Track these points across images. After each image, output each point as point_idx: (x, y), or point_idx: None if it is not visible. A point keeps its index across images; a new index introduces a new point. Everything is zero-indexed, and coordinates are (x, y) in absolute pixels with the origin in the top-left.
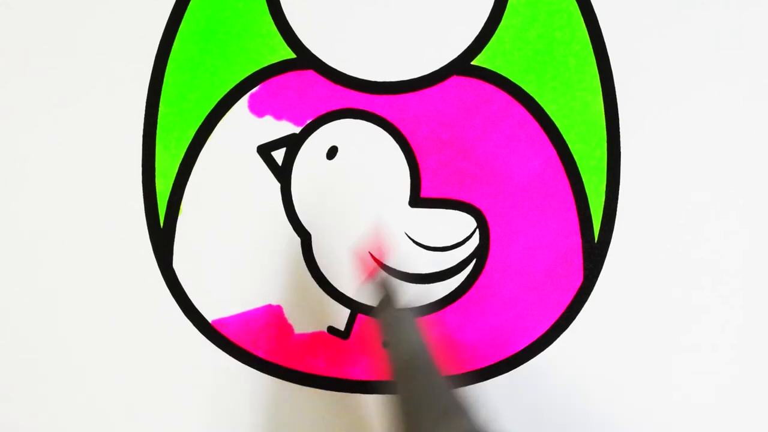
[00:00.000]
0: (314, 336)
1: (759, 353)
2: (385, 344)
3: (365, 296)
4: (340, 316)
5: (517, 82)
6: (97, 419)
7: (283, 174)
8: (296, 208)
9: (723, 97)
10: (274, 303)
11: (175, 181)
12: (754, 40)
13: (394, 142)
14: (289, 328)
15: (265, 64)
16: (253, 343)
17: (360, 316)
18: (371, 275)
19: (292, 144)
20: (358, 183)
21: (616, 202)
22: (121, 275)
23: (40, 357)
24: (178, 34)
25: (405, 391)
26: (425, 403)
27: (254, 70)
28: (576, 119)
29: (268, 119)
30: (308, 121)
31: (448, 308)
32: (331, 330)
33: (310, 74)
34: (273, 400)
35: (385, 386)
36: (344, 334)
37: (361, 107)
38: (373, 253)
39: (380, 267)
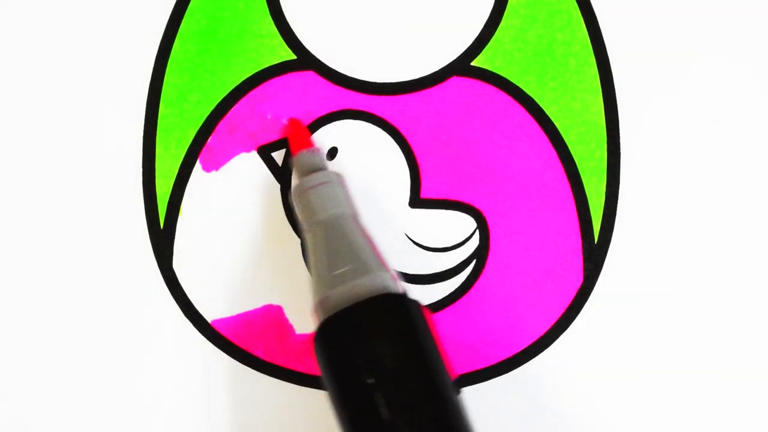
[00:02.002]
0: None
1: (760, 353)
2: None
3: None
4: None
5: (517, 83)
6: (96, 419)
7: (283, 175)
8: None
9: (724, 98)
10: (274, 303)
11: (175, 181)
12: (757, 40)
13: (394, 143)
14: (290, 328)
15: (266, 65)
16: (253, 344)
17: None
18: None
19: None
20: (358, 183)
21: (616, 203)
22: (121, 275)
23: (39, 357)
24: (178, 34)
25: (321, 240)
26: (334, 258)
27: (255, 72)
28: (576, 120)
29: (268, 120)
30: (309, 123)
31: (448, 308)
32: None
33: (311, 75)
34: (273, 401)
35: None
36: None
37: (361, 108)
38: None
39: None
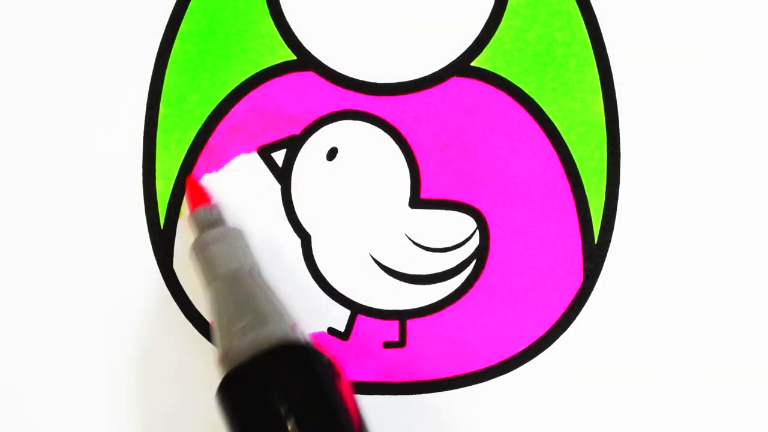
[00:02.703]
0: (314, 337)
1: (760, 353)
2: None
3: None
4: (340, 317)
5: (517, 83)
6: (96, 419)
7: (283, 175)
8: (296, 209)
9: (724, 98)
10: None
11: (175, 182)
12: (756, 40)
13: (394, 144)
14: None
15: (266, 66)
16: None
17: (360, 317)
18: (200, 203)
19: (293, 145)
20: (358, 184)
21: (616, 203)
22: (121, 275)
23: (39, 357)
24: (178, 34)
25: (221, 296)
26: (235, 312)
27: (254, 72)
28: (576, 120)
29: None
30: (308, 123)
31: (448, 309)
32: (331, 331)
33: (311, 75)
34: None
35: (384, 387)
36: (344, 335)
37: (361, 108)
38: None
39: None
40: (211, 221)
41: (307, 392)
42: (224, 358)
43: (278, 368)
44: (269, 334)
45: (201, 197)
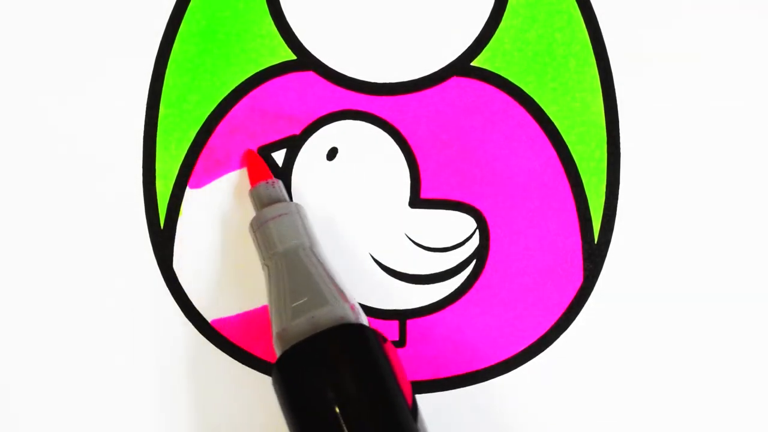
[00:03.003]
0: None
1: (759, 353)
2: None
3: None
4: None
5: (517, 83)
6: (97, 418)
7: (283, 175)
8: None
9: (724, 98)
10: None
11: (175, 182)
12: (757, 40)
13: (394, 143)
14: None
15: (266, 66)
16: (253, 344)
17: None
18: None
19: (293, 145)
20: (358, 184)
21: (616, 203)
22: (121, 275)
23: (39, 356)
24: (178, 35)
25: (279, 273)
26: (293, 290)
27: (254, 72)
28: (576, 120)
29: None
30: (308, 123)
31: (448, 309)
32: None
33: (311, 75)
34: (273, 400)
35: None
36: None
37: (361, 108)
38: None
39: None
40: (271, 197)
41: (367, 373)
42: (280, 337)
43: (336, 348)
44: (327, 314)
45: (262, 172)
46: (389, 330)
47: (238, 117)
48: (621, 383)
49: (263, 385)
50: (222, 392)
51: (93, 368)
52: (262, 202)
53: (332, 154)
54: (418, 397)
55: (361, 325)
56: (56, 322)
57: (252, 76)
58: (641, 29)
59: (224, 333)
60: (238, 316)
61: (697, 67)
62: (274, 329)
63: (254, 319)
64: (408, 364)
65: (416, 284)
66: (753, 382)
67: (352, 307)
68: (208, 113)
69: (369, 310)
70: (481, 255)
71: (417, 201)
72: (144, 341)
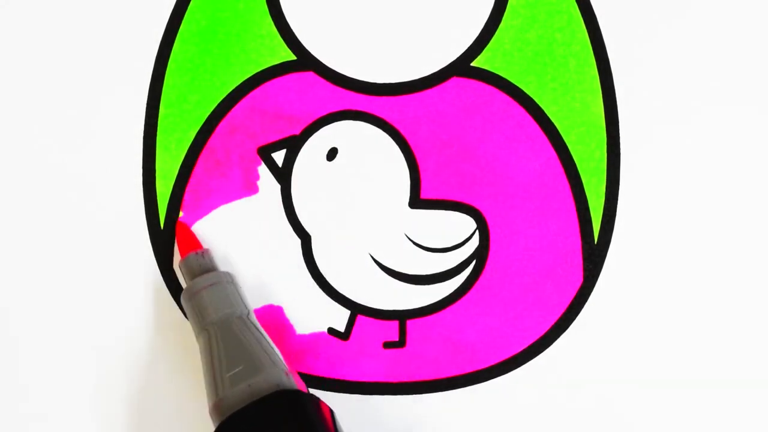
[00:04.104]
0: (314, 337)
1: (759, 354)
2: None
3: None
4: (340, 317)
5: (517, 84)
6: (96, 419)
7: (283, 175)
8: (296, 209)
9: (724, 99)
10: (274, 303)
11: (175, 181)
12: (757, 41)
13: (394, 144)
14: (290, 328)
15: (266, 66)
16: None
17: (360, 317)
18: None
19: (293, 145)
20: (358, 184)
21: (616, 203)
22: (121, 275)
23: (38, 357)
24: (178, 35)
25: (213, 342)
26: (228, 359)
27: (254, 72)
28: (576, 120)
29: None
30: (308, 123)
31: (448, 309)
32: (331, 331)
33: (310, 76)
34: None
35: (384, 387)
36: (344, 335)
37: (361, 109)
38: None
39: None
40: (202, 267)
41: None
42: (217, 406)
43: (274, 416)
44: (264, 381)
45: (191, 243)
46: (389, 330)
47: (238, 117)
48: (621, 383)
49: None
50: None
51: (93, 368)
52: (192, 272)
53: (332, 154)
54: (418, 397)
55: (297, 391)
56: (56, 321)
57: (252, 76)
58: (641, 29)
59: None
60: None
61: (697, 67)
62: (210, 400)
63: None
64: (408, 364)
65: (416, 284)
66: (753, 382)
67: (289, 373)
68: (208, 113)
69: (369, 311)
70: (481, 255)
71: (417, 201)
72: (144, 341)
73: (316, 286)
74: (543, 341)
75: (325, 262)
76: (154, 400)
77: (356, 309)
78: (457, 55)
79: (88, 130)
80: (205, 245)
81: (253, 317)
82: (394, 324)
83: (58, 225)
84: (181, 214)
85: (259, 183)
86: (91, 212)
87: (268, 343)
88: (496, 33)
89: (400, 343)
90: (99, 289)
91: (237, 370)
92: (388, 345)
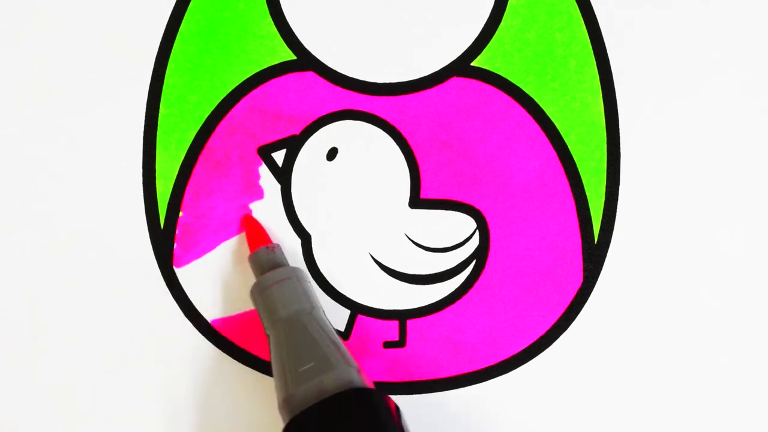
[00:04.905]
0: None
1: (759, 353)
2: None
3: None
4: (340, 317)
5: (517, 84)
6: (95, 419)
7: (283, 175)
8: (296, 209)
9: (724, 99)
10: None
11: (175, 181)
12: (756, 41)
13: (394, 144)
14: None
15: (266, 66)
16: (253, 343)
17: (360, 317)
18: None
19: (293, 145)
20: (358, 184)
21: (616, 203)
22: (121, 275)
23: (38, 357)
24: (178, 35)
25: (283, 338)
26: (299, 355)
27: (254, 72)
28: (576, 120)
29: (268, 121)
30: (308, 123)
31: (448, 309)
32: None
33: (311, 76)
34: (273, 400)
35: (384, 387)
36: (344, 335)
37: (361, 108)
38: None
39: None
40: (272, 262)
41: None
42: (288, 402)
43: (345, 414)
44: (335, 378)
45: (261, 237)
46: (389, 330)
47: (238, 117)
48: (621, 383)
49: (263, 384)
50: (222, 392)
51: (93, 368)
52: (262, 267)
53: (332, 154)
54: (417, 397)
55: (369, 390)
56: (56, 321)
57: (252, 76)
58: (641, 29)
59: (224, 333)
60: (238, 316)
61: (697, 67)
62: (280, 395)
63: (254, 319)
64: (408, 364)
65: (416, 284)
66: (752, 382)
67: (359, 371)
68: (208, 113)
69: (369, 310)
70: (481, 255)
71: (417, 201)
72: (144, 341)
73: (317, 286)
74: (543, 341)
75: (325, 262)
76: (154, 399)
77: (356, 309)
78: (457, 55)
79: (88, 130)
80: (274, 240)
81: (321, 313)
82: (394, 324)
83: (58, 225)
84: (181, 214)
85: (261, 183)
86: (91, 212)
87: (338, 340)
88: (496, 33)
89: (400, 343)
90: (99, 289)
91: (308, 366)
92: (388, 345)
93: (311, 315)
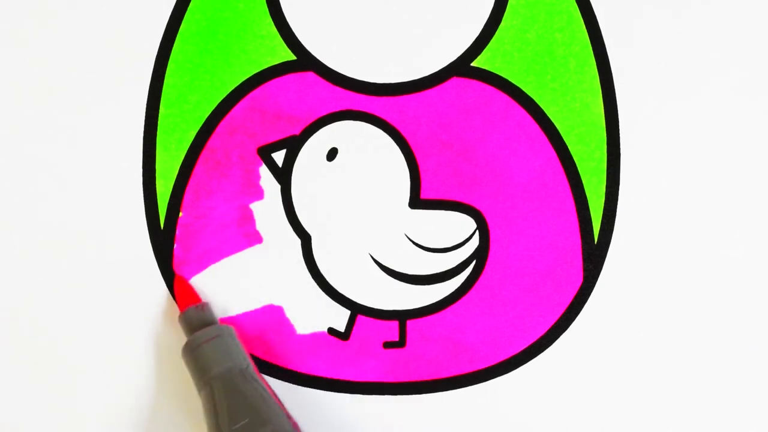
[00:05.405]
0: (315, 337)
1: (759, 353)
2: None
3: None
4: (340, 317)
5: (516, 84)
6: (96, 419)
7: (283, 175)
8: (296, 209)
9: (724, 99)
10: (274, 303)
11: (175, 181)
12: (756, 41)
13: (394, 144)
14: (290, 328)
15: (266, 66)
16: (253, 344)
17: (360, 318)
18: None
19: (293, 145)
20: (358, 184)
21: (616, 204)
22: (121, 275)
23: (38, 357)
24: (178, 35)
25: (216, 396)
26: (232, 412)
27: (254, 72)
28: (576, 120)
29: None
30: (308, 123)
31: (448, 309)
32: (331, 331)
33: (310, 76)
34: None
35: (384, 387)
36: (344, 335)
37: (361, 109)
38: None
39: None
40: (201, 320)
41: None
42: None
43: None
44: None
45: (190, 297)
46: (389, 330)
47: (238, 117)
48: (621, 383)
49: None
50: None
51: (92, 367)
52: (192, 326)
53: (332, 154)
54: (417, 397)
55: None
56: (56, 321)
57: (252, 76)
58: (641, 29)
59: None
60: (238, 316)
61: (698, 67)
62: None
63: (254, 319)
64: (408, 364)
65: (416, 284)
66: (752, 382)
67: (294, 425)
68: (208, 113)
69: (369, 311)
70: (481, 255)
71: (417, 201)
72: (144, 341)
73: (316, 286)
74: (543, 341)
75: (325, 262)
76: (152, 399)
77: (356, 309)
78: (457, 55)
79: (88, 130)
80: (203, 298)
81: (252, 369)
82: (394, 324)
83: (58, 225)
84: (180, 214)
85: (261, 183)
86: (91, 212)
87: (270, 394)
88: (496, 33)
89: (400, 343)
90: (99, 289)
91: (243, 423)
92: (388, 345)
93: (242, 372)
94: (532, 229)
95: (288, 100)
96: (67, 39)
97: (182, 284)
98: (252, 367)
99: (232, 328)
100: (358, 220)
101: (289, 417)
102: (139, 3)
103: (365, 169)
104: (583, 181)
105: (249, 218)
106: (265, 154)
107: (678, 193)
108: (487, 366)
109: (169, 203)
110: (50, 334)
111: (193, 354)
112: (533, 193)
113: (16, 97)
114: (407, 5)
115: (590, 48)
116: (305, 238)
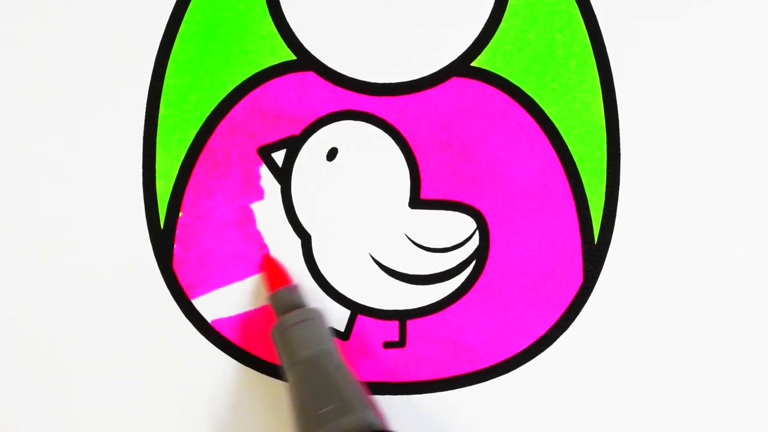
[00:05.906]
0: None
1: (759, 353)
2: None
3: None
4: (340, 317)
5: (517, 84)
6: (96, 420)
7: (283, 175)
8: (296, 209)
9: (724, 99)
10: None
11: (175, 181)
12: (756, 41)
13: (394, 144)
14: None
15: (266, 66)
16: (253, 344)
17: (360, 317)
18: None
19: (293, 145)
20: (358, 184)
21: (616, 204)
22: (121, 275)
23: (38, 357)
24: (178, 35)
25: (303, 379)
26: (319, 397)
27: (254, 72)
28: (576, 120)
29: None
30: (308, 123)
31: (448, 309)
32: (332, 331)
33: (310, 76)
34: (273, 401)
35: (384, 387)
36: (344, 335)
37: (361, 109)
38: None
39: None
40: (291, 303)
41: None
42: None
43: None
44: (354, 421)
45: (281, 278)
46: (389, 330)
47: (238, 117)
48: (620, 383)
49: (263, 384)
50: (222, 392)
51: (92, 367)
52: (282, 307)
53: (332, 154)
54: (418, 397)
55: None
56: (56, 321)
57: (252, 76)
58: (641, 30)
59: (224, 333)
60: (238, 316)
61: (698, 67)
62: None
63: (254, 319)
64: (408, 364)
65: (416, 284)
66: (752, 382)
67: (378, 414)
68: (208, 113)
69: (369, 311)
70: (481, 255)
71: (417, 201)
72: (144, 341)
73: (316, 286)
74: (543, 341)
75: (325, 262)
76: (152, 399)
77: (356, 309)
78: (457, 55)
79: (88, 130)
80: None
81: (340, 356)
82: (394, 324)
83: (59, 225)
84: (180, 214)
85: (261, 183)
86: (91, 212)
87: (356, 382)
88: (496, 33)
89: (400, 343)
90: (99, 289)
91: (328, 408)
92: (388, 345)
93: (330, 356)
94: (532, 229)
95: (288, 100)
96: (67, 39)
97: (273, 265)
98: (339, 353)
99: (321, 311)
100: (358, 220)
101: (374, 407)
102: (139, 3)
103: (365, 169)
104: (583, 181)
105: (249, 218)
106: (265, 154)
107: (678, 193)
108: (487, 366)
109: (169, 203)
110: (50, 334)
111: (282, 336)
112: (533, 193)
113: (16, 97)
114: (407, 5)
115: (590, 48)
116: (305, 238)
